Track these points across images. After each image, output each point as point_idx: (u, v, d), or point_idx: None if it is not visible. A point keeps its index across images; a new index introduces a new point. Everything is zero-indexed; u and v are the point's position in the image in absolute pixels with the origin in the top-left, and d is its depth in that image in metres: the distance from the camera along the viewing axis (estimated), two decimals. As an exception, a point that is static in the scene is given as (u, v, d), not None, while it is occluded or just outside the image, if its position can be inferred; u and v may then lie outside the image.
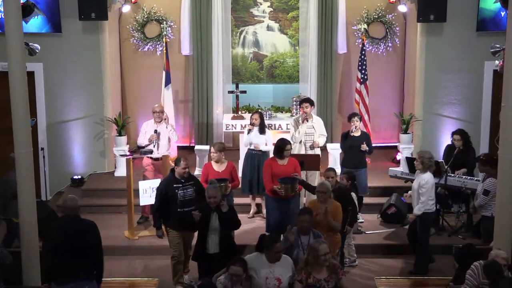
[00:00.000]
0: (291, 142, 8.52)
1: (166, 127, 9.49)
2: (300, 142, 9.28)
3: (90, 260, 6.24)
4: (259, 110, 10.68)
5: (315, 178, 9.29)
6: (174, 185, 7.56)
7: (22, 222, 7.12)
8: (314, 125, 9.38)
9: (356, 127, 9.13)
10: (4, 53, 7.02)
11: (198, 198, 7.55)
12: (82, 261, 6.15)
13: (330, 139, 11.53)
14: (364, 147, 9.03)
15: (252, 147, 9.30)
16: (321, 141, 9.39)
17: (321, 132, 9.45)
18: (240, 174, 9.32)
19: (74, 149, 10.72)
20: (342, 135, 9.48)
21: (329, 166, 8.37)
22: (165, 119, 9.59)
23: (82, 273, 6.19)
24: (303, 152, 9.22)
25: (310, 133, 9.34)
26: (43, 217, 7.66)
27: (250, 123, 9.40)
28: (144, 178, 9.18)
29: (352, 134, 9.14)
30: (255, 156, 9.24)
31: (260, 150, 9.25)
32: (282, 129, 10.51)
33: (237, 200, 8.92)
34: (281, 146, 8.19)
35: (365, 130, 10.51)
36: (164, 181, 7.87)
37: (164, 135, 9.41)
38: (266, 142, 9.32)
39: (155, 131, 9.31)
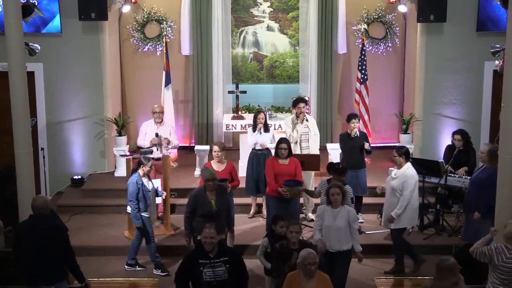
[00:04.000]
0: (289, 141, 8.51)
1: (169, 131, 9.50)
2: (296, 142, 9.26)
3: (59, 262, 6.15)
4: (262, 110, 10.64)
5: (310, 178, 9.28)
6: (200, 261, 5.75)
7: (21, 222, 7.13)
8: (309, 125, 9.39)
9: (356, 129, 9.14)
10: (4, 53, 7.04)
11: (232, 280, 5.74)
12: (50, 263, 6.07)
13: (330, 139, 11.54)
14: (367, 145, 9.05)
15: (258, 147, 9.28)
16: (317, 144, 9.47)
17: (315, 132, 9.46)
18: (241, 174, 9.30)
19: (74, 149, 10.72)
20: (340, 136, 9.45)
21: (293, 221, 6.86)
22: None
23: (50, 274, 6.11)
24: (298, 152, 9.19)
25: (305, 133, 9.34)
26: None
27: (257, 123, 9.35)
28: (145, 178, 9.19)
29: (353, 135, 9.14)
30: (261, 156, 9.20)
31: (267, 149, 9.24)
32: (281, 129, 10.49)
33: (237, 200, 8.91)
34: (276, 144, 8.32)
35: (364, 130, 10.52)
36: (188, 254, 6.05)
37: (164, 136, 9.41)
38: (271, 140, 9.32)
39: (156, 135, 9.29)
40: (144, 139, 9.42)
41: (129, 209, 8.16)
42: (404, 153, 7.91)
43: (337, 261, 6.91)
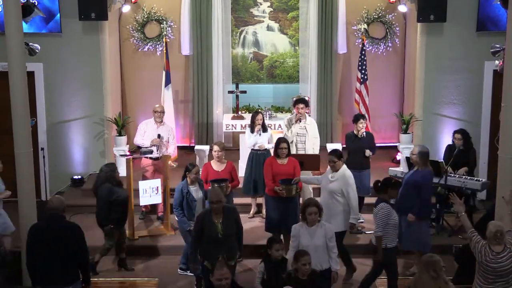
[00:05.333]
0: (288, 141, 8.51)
1: (168, 133, 9.49)
2: (292, 142, 9.25)
3: (74, 262, 6.14)
4: (259, 110, 10.63)
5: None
6: None
7: (22, 222, 7.14)
8: (307, 127, 9.35)
9: (364, 129, 9.16)
10: (4, 53, 7.04)
11: None
12: (65, 263, 6.06)
13: (330, 139, 11.55)
14: (368, 152, 9.02)
15: (256, 148, 9.28)
16: (316, 148, 9.43)
17: (314, 135, 9.42)
18: (241, 174, 9.30)
19: (74, 149, 10.71)
20: (347, 136, 9.44)
21: (302, 250, 6.23)
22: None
23: (65, 276, 6.09)
24: (293, 152, 9.19)
25: (302, 134, 9.32)
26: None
27: (255, 124, 9.35)
28: (144, 178, 9.19)
29: (360, 136, 9.14)
30: (261, 156, 9.20)
31: (266, 149, 9.24)
32: (282, 129, 10.48)
33: (237, 200, 8.90)
34: (276, 144, 8.28)
35: (369, 130, 10.52)
36: None
37: (164, 138, 9.40)
38: (269, 140, 9.32)
39: (159, 136, 9.26)
40: (142, 138, 9.38)
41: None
42: (339, 156, 7.78)
43: (319, 280, 6.35)
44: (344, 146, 9.90)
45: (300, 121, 9.30)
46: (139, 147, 9.51)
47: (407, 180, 7.86)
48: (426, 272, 5.56)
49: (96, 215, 8.00)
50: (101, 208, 7.93)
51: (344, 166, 7.82)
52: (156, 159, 9.19)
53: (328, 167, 7.92)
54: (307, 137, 9.33)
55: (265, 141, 9.31)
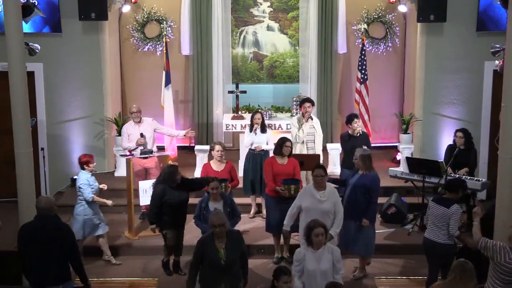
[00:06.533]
0: (292, 141, 8.53)
1: (152, 128, 9.49)
2: (302, 142, 9.31)
3: (67, 262, 6.14)
4: (259, 110, 10.65)
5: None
6: None
7: (22, 222, 7.14)
8: (315, 125, 9.47)
9: (360, 128, 9.16)
10: (4, 53, 7.05)
11: None
12: (60, 263, 6.07)
13: (330, 139, 11.54)
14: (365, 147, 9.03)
15: (253, 147, 9.30)
16: (320, 146, 9.56)
17: (320, 132, 9.55)
18: (240, 174, 9.31)
19: (74, 149, 10.70)
20: (342, 136, 9.47)
21: (279, 268, 5.94)
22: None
23: (59, 275, 6.10)
24: (304, 152, 9.23)
25: (311, 133, 9.42)
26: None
27: (253, 123, 9.37)
28: (144, 178, 9.19)
29: (356, 134, 9.15)
30: (258, 156, 9.22)
31: (262, 150, 9.25)
32: (282, 129, 10.52)
33: (237, 200, 8.86)
34: (281, 142, 8.25)
35: (364, 130, 10.52)
36: None
37: (148, 134, 9.37)
38: (267, 141, 9.33)
39: (141, 135, 9.25)
40: (128, 140, 9.36)
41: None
42: (325, 171, 7.53)
43: None
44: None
45: (313, 120, 9.42)
46: (129, 150, 9.44)
47: (355, 184, 7.71)
48: (471, 279, 5.52)
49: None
50: (151, 206, 7.95)
51: (328, 183, 7.60)
52: (145, 158, 9.16)
53: (305, 184, 7.82)
54: (316, 135, 9.43)
55: (263, 141, 9.32)
